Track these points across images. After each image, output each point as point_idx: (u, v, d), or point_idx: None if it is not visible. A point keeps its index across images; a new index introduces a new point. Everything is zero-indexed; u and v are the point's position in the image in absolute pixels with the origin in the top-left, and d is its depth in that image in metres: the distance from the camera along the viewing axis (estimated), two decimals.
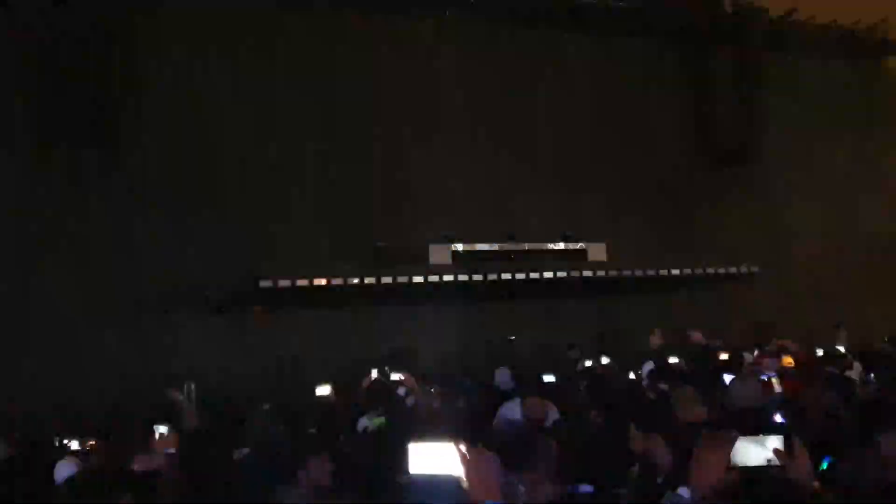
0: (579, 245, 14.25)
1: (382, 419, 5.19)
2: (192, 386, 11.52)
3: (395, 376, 6.78)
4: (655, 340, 10.62)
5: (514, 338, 10.26)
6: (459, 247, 13.46)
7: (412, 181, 14.28)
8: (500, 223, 14.43)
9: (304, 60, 14.14)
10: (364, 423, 5.84)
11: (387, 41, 14.77)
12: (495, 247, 13.86)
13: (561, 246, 14.23)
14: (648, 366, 7.44)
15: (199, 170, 13.16)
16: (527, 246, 14.06)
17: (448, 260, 13.29)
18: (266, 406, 7.16)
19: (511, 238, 13.98)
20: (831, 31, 19.53)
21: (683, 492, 2.43)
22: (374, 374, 8.07)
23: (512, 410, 5.19)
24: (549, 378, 6.43)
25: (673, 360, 7.88)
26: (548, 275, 13.49)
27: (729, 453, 2.29)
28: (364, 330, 13.56)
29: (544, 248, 14.16)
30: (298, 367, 12.50)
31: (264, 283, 12.05)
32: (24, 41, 12.28)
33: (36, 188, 12.29)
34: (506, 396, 5.74)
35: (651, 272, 14.21)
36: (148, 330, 12.47)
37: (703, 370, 6.14)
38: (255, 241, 13.04)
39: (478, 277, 12.99)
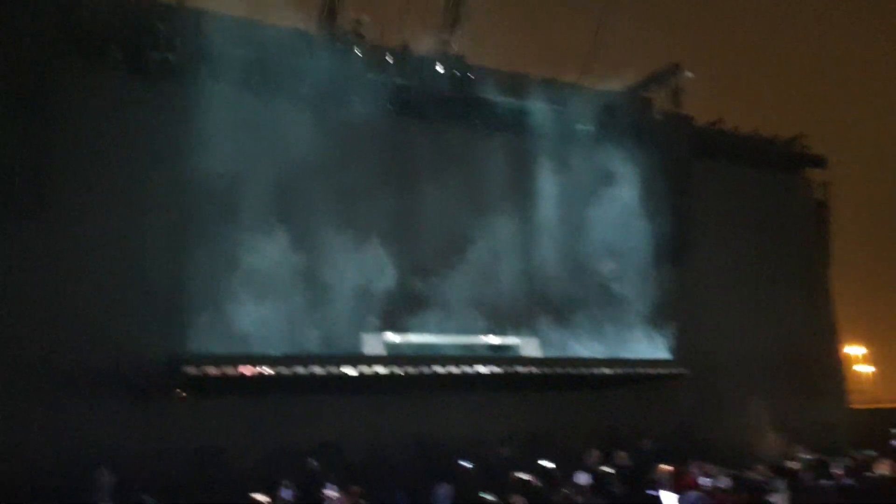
0: (512, 340, 14.27)
1: None
2: (105, 472, 10.90)
3: (329, 491, 6.46)
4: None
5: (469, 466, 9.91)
6: (397, 339, 13.27)
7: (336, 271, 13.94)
8: (430, 314, 14.26)
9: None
10: None
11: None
12: (429, 338, 13.72)
13: (494, 340, 14.20)
14: (583, 478, 7.37)
15: (124, 242, 12.79)
16: (460, 339, 13.95)
17: (382, 350, 13.06)
18: None
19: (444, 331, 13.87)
20: (753, 141, 20.61)
21: None
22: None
23: None
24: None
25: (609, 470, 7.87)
26: (481, 369, 13.33)
27: None
28: (291, 419, 13.12)
29: (477, 341, 14.11)
30: (221, 460, 11.99)
31: (189, 370, 11.45)
32: None
33: None
34: None
35: (584, 370, 14.27)
36: (62, 409, 11.76)
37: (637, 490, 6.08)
38: (180, 323, 12.45)
39: (412, 370, 12.75)
